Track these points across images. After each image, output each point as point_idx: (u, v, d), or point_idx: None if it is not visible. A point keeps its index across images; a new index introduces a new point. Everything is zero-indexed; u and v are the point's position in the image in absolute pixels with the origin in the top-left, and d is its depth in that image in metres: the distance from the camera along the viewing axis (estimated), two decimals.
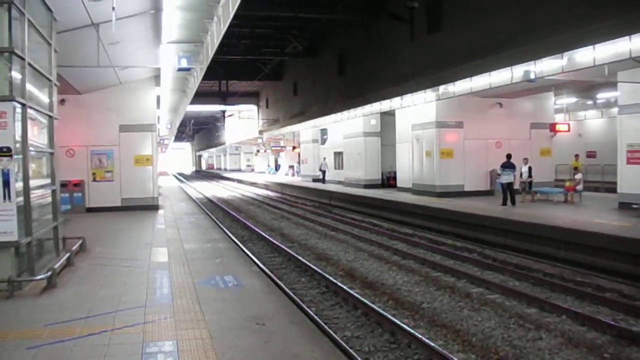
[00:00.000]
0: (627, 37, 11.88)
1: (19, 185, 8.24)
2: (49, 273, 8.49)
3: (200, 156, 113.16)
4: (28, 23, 8.65)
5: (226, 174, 69.52)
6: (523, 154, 21.49)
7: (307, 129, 38.70)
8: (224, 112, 53.79)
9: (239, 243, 15.32)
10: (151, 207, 20.28)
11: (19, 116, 8.25)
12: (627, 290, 10.23)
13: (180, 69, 15.99)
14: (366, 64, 24.34)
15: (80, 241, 11.76)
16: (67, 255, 10.16)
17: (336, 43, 28.36)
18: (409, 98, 22.21)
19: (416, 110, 23.64)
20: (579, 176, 19.48)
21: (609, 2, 11.36)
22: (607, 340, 7.83)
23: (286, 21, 28.57)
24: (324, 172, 36.69)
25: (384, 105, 24.39)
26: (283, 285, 10.69)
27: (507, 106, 23.27)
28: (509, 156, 19.15)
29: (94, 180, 19.76)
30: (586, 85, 24.99)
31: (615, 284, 10.69)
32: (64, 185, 16.80)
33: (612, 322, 8.35)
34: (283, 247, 15.35)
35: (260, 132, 48.52)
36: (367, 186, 29.34)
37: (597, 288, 10.49)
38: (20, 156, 8.31)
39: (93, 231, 14.22)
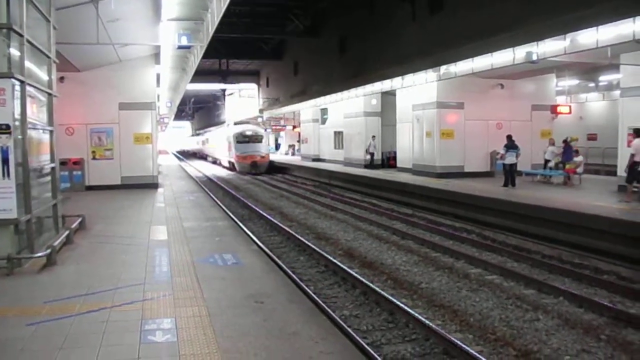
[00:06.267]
0: (630, 19, 11.79)
1: (18, 162, 8.22)
2: (49, 251, 8.50)
3: (199, 135, 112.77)
4: None
5: None
6: (524, 136, 21.48)
7: (307, 109, 38.54)
8: (224, 90, 53.62)
9: (238, 222, 15.34)
10: (151, 185, 20.25)
11: (17, 93, 8.21)
12: (625, 273, 10.27)
13: (180, 47, 15.94)
14: (368, 44, 24.19)
15: (80, 219, 11.78)
16: (67, 233, 10.18)
17: (338, 22, 28.17)
18: (410, 78, 22.10)
19: (417, 90, 23.53)
20: (579, 159, 19.46)
21: None
22: (604, 322, 7.86)
23: (287, 0, 28.40)
24: (372, 155, 29.79)
25: (385, 85, 24.28)
26: (282, 264, 10.73)
27: (508, 87, 23.17)
28: (510, 137, 19.08)
29: (94, 158, 19.71)
30: (588, 68, 24.86)
31: (613, 266, 10.72)
32: (63, 163, 16.76)
33: (610, 304, 8.39)
34: (282, 226, 15.38)
35: (261, 111, 48.41)
36: (367, 166, 29.29)
37: (595, 270, 10.52)
38: (20, 134, 8.28)
39: (92, 209, 14.23)
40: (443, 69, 19.62)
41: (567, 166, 19.52)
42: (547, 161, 21.11)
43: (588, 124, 32.65)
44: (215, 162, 53.11)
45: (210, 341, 5.36)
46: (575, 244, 12.36)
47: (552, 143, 21.29)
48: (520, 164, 19.46)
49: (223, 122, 61.97)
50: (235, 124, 43.89)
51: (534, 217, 13.90)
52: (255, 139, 40.17)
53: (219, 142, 48.84)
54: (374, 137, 30.01)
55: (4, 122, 7.83)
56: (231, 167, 42.54)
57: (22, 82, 8.30)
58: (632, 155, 14.51)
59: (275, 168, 39.70)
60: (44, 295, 6.85)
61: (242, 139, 39.72)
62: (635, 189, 14.95)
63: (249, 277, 7.99)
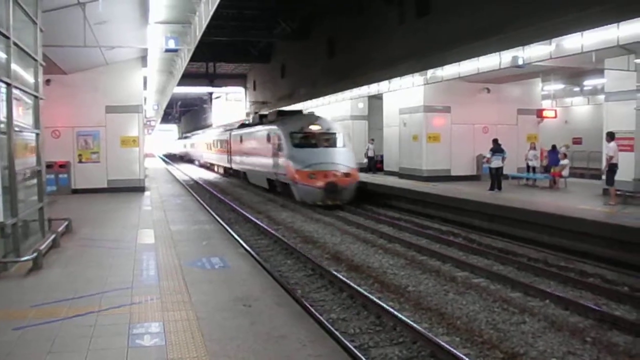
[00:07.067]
0: (615, 25, 11.94)
1: (4, 165, 8.17)
2: (35, 254, 8.44)
3: (187, 138, 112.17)
4: (13, 1, 8.50)
5: None
6: (510, 140, 21.63)
7: None
8: (211, 94, 53.54)
9: (225, 225, 15.29)
10: (137, 188, 20.13)
11: (3, 96, 8.16)
12: (610, 276, 10.35)
13: (167, 50, 15.87)
14: (356, 47, 24.28)
15: (66, 222, 11.71)
16: (53, 236, 10.11)
17: (326, 26, 28.25)
18: (397, 82, 22.19)
19: (404, 94, 23.63)
20: (565, 162, 19.64)
21: None
22: (589, 324, 7.92)
23: (275, 3, 28.40)
24: (370, 159, 27.09)
25: (372, 88, 24.36)
26: (269, 268, 10.72)
27: (494, 91, 23.30)
28: (496, 141, 19.20)
29: (80, 161, 19.60)
30: (573, 72, 25.07)
31: (599, 269, 10.81)
32: (49, 166, 16.64)
33: (595, 307, 8.46)
34: (269, 229, 15.36)
35: (248, 114, 48.38)
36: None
37: (581, 273, 10.60)
38: (6, 136, 8.22)
39: (79, 212, 14.14)
40: (430, 72, 19.73)
41: (553, 169, 19.69)
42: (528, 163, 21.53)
43: (573, 128, 32.92)
44: (230, 173, 35.38)
45: (199, 345, 5.36)
46: (560, 247, 12.46)
47: (533, 147, 21.66)
48: (506, 168, 19.59)
49: (210, 126, 58.22)
50: (280, 113, 26.08)
51: (520, 220, 14.00)
52: (327, 139, 22.04)
53: (241, 144, 30.25)
54: (372, 140, 28.11)
55: None
56: (277, 189, 23.72)
57: (8, 84, 8.24)
58: (610, 158, 14.75)
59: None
60: (31, 299, 6.80)
61: (303, 141, 21.90)
62: (619, 193, 15.11)
63: (237, 280, 7.98)
